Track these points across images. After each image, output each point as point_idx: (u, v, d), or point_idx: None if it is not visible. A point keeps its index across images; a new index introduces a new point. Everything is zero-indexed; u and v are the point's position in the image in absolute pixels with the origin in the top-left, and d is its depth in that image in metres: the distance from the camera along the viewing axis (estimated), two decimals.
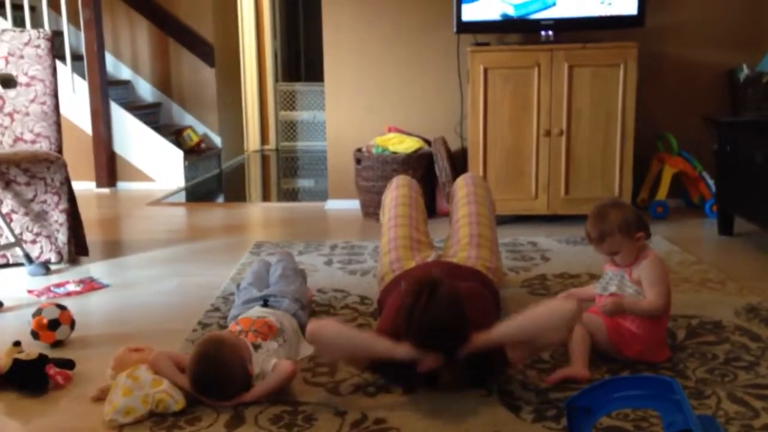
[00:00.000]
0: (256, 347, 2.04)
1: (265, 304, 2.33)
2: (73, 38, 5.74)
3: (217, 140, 6.51)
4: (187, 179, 5.72)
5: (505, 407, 1.89)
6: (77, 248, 3.45)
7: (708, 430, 1.39)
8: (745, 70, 4.16)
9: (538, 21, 4.01)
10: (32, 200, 3.30)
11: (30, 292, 2.99)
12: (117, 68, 6.31)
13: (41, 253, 3.33)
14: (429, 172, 4.18)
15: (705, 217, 4.12)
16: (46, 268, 3.28)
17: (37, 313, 2.38)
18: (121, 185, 5.60)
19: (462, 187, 2.75)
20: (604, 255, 2.19)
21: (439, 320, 1.83)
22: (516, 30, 4.19)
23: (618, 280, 2.15)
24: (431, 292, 1.84)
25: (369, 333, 1.96)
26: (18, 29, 3.55)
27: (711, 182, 4.10)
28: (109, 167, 5.53)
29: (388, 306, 2.19)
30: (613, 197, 2.22)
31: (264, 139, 8.30)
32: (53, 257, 3.35)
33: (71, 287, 3.04)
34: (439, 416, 1.86)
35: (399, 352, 1.87)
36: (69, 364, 2.17)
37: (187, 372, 1.94)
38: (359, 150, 4.35)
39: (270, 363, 2.00)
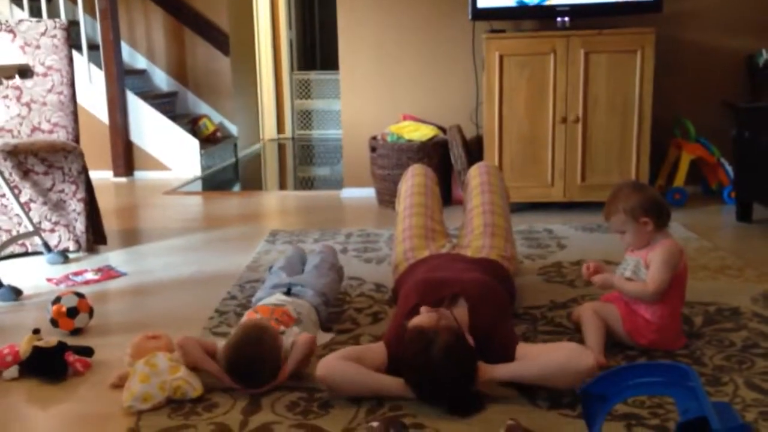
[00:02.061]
0: (281, 333, 2.06)
1: (288, 292, 2.34)
2: (89, 28, 5.77)
3: (233, 129, 6.53)
4: (203, 168, 5.74)
5: (521, 395, 1.89)
6: (95, 237, 3.48)
7: (723, 416, 1.38)
8: (765, 55, 4.11)
9: (553, 7, 3.97)
10: (50, 189, 3.33)
11: (49, 280, 3.02)
12: (133, 57, 6.34)
13: (60, 241, 3.37)
14: (444, 160, 4.17)
15: (723, 203, 4.09)
16: (64, 256, 3.31)
17: (56, 301, 2.40)
18: (138, 174, 5.63)
19: (476, 176, 2.74)
20: (615, 233, 2.19)
21: (438, 383, 1.78)
22: (532, 16, 4.16)
23: (634, 265, 2.14)
24: (425, 354, 1.77)
25: (380, 373, 1.90)
26: (34, 19, 3.57)
27: (729, 168, 4.07)
28: (126, 156, 5.56)
29: (399, 305, 2.17)
30: (638, 180, 2.25)
31: (280, 127, 8.31)
32: (71, 246, 3.38)
33: (89, 275, 3.07)
34: None
35: (410, 395, 1.85)
36: (88, 352, 2.19)
37: (225, 356, 1.95)
38: (374, 138, 4.35)
39: (289, 342, 2.02)
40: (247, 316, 2.20)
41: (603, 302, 2.20)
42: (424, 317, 1.89)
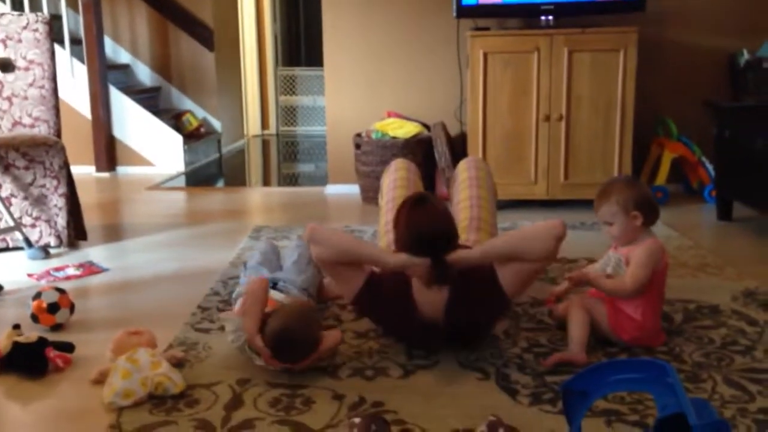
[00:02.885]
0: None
1: (274, 286, 2.34)
2: (71, 22, 5.72)
3: (217, 125, 6.51)
4: (186, 164, 5.71)
5: (502, 390, 1.90)
6: (76, 232, 3.46)
7: (701, 413, 1.40)
8: (746, 55, 4.15)
9: (538, 5, 3.99)
10: (31, 184, 3.31)
11: (30, 275, 3.00)
12: (116, 52, 6.30)
13: (41, 237, 3.34)
14: (428, 157, 4.17)
15: (704, 202, 4.12)
16: (45, 252, 3.29)
17: (37, 296, 2.38)
18: (121, 169, 5.60)
19: (464, 170, 2.75)
20: (602, 224, 2.21)
21: (426, 223, 1.99)
22: (516, 15, 4.17)
23: (615, 262, 2.16)
24: (419, 202, 2.05)
25: (366, 241, 2.09)
26: (16, 13, 3.54)
27: (710, 167, 4.10)
28: (109, 151, 5.53)
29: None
30: (631, 176, 2.29)
31: (264, 123, 8.29)
32: (53, 241, 3.36)
33: (71, 271, 3.05)
34: (437, 399, 1.87)
35: (389, 259, 2.01)
36: (68, 347, 2.17)
37: (274, 328, 1.97)
38: (359, 135, 4.35)
39: None
40: (237, 310, 2.19)
41: (591, 297, 2.22)
42: None
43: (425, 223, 2.01)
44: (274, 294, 2.27)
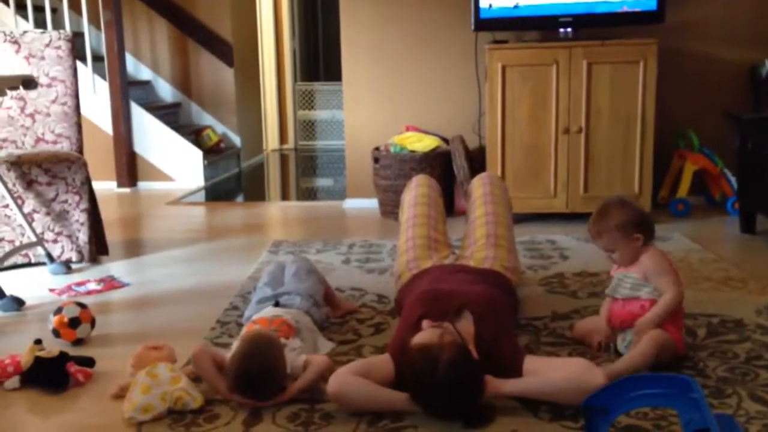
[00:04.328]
0: (284, 346, 2.04)
1: (277, 304, 2.33)
2: (93, 39, 5.80)
3: (236, 140, 6.55)
4: (206, 179, 5.75)
5: (522, 406, 1.88)
6: (98, 247, 3.49)
7: (726, 428, 1.38)
8: (767, 66, 4.11)
9: (556, 18, 3.98)
10: (53, 200, 3.34)
11: (51, 290, 3.03)
12: (137, 69, 6.36)
13: (62, 252, 3.37)
14: (447, 171, 4.17)
15: (727, 214, 4.08)
16: (67, 267, 3.31)
17: (58, 311, 2.40)
18: (142, 185, 5.64)
19: (479, 186, 2.74)
20: (603, 252, 2.18)
21: (446, 399, 1.78)
22: (534, 27, 4.17)
23: (631, 282, 2.13)
24: (431, 371, 1.75)
25: (388, 390, 1.89)
26: (39, 30, 3.59)
27: (733, 179, 4.06)
28: (130, 167, 5.58)
29: (403, 316, 2.15)
30: (621, 195, 2.21)
31: (283, 138, 8.33)
32: (74, 256, 3.38)
33: (92, 286, 3.07)
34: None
35: (417, 410, 1.83)
36: (89, 362, 2.19)
37: (231, 369, 1.92)
38: (377, 149, 4.35)
39: (300, 360, 1.99)
40: (246, 329, 2.19)
41: (661, 332, 2.06)
42: (427, 333, 1.87)
43: (446, 403, 1.78)
44: (277, 311, 2.27)
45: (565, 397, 1.82)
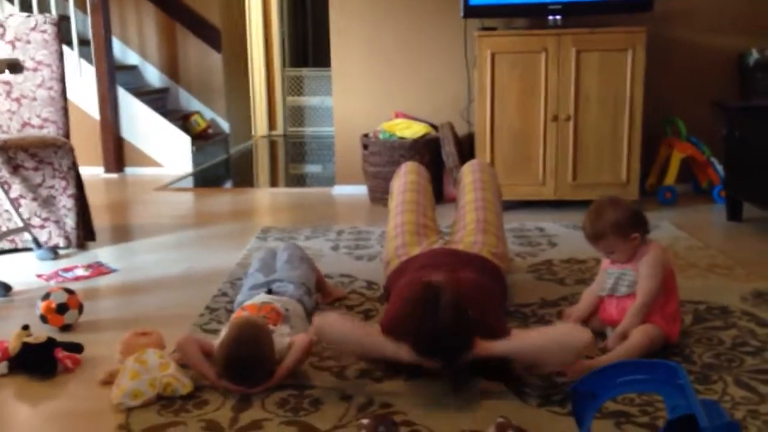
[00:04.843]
0: (271, 332, 2.03)
1: (269, 292, 2.33)
2: (80, 23, 5.74)
3: (225, 125, 6.52)
4: (194, 164, 5.73)
5: (511, 392, 1.89)
6: (85, 233, 3.47)
7: (711, 414, 1.39)
8: (755, 55, 4.13)
9: (545, 5, 3.98)
10: (40, 185, 3.32)
11: (39, 276, 3.01)
12: (124, 53, 6.32)
13: (49, 237, 3.35)
14: (436, 158, 4.17)
15: (713, 202, 4.10)
16: (54, 252, 3.30)
17: (46, 297, 2.39)
18: (129, 170, 5.61)
19: (469, 173, 2.75)
20: (602, 253, 2.19)
21: (439, 334, 1.79)
22: (523, 14, 4.16)
23: (629, 280, 2.14)
24: (432, 304, 1.81)
25: (375, 333, 1.93)
26: (25, 14, 3.55)
27: (719, 167, 4.08)
28: (117, 152, 5.54)
29: (392, 300, 2.18)
30: (612, 195, 2.20)
31: (272, 124, 8.30)
32: (61, 242, 3.37)
33: (80, 272, 3.06)
34: (445, 401, 1.87)
35: (403, 355, 1.86)
36: (77, 348, 2.18)
37: (220, 356, 1.92)
38: (366, 135, 4.34)
39: (284, 342, 2.00)
40: (236, 315, 2.19)
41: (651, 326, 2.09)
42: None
43: (439, 333, 1.79)
44: (268, 298, 2.27)
45: (552, 354, 1.86)
